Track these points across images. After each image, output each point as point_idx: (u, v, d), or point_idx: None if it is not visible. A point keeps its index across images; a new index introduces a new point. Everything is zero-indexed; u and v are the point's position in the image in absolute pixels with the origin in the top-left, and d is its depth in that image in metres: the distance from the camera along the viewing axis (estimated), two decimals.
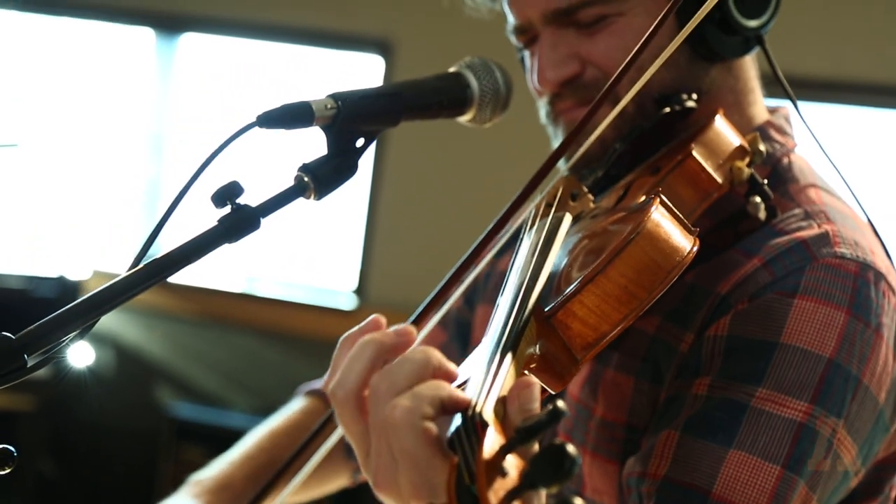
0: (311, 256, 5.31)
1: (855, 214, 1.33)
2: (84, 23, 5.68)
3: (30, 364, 1.01)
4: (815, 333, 1.17)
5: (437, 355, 0.89)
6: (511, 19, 1.42)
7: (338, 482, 1.75)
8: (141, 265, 1.12)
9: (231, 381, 5.27)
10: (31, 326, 1.04)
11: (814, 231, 1.25)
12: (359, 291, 5.23)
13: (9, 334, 1.02)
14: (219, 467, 1.64)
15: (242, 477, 1.59)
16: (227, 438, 4.80)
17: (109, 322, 4.74)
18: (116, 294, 1.10)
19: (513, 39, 1.45)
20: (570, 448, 0.70)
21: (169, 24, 5.52)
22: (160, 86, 5.55)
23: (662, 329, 1.27)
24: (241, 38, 5.48)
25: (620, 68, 1.12)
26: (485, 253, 1.19)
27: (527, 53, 1.42)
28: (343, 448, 1.73)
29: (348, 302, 5.23)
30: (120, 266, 4.93)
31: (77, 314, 1.07)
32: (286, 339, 5.16)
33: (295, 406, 1.75)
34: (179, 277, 1.10)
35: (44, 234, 5.00)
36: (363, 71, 5.27)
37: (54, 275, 4.55)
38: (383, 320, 0.95)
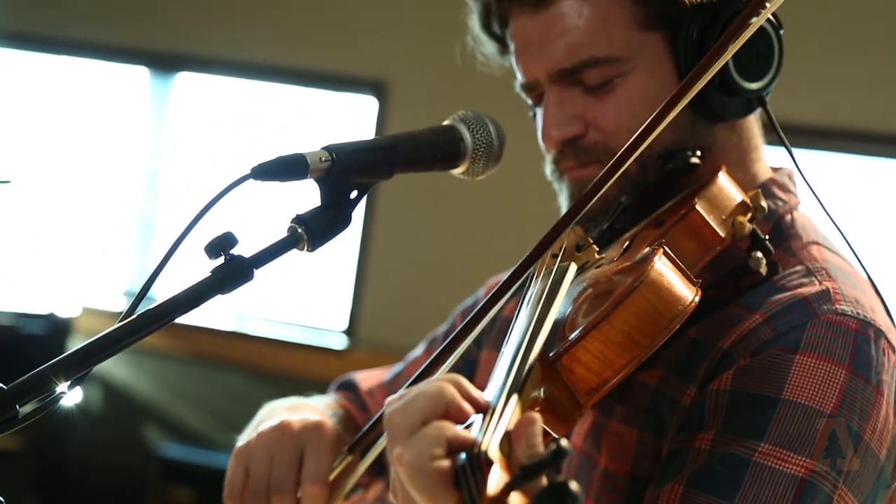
0: (302, 296, 5.30)
1: (856, 272, 1.34)
2: (80, 61, 5.70)
3: (21, 415, 1.02)
4: (817, 390, 1.19)
5: (450, 391, 0.92)
6: (520, 77, 1.44)
7: None
8: (135, 315, 1.12)
9: (219, 420, 5.24)
10: (24, 377, 1.04)
11: (815, 288, 1.26)
12: (349, 332, 5.22)
13: (1, 385, 1.02)
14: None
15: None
16: (215, 479, 4.78)
17: None
18: (110, 344, 1.10)
19: (523, 96, 1.47)
20: (573, 485, 0.73)
21: (164, 63, 5.54)
22: (155, 124, 5.56)
23: (665, 382, 1.28)
24: (237, 77, 5.50)
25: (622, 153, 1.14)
26: (494, 306, 1.22)
27: (537, 110, 1.43)
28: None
29: (339, 342, 5.23)
30: (111, 304, 4.94)
31: (70, 364, 1.07)
32: (276, 379, 5.14)
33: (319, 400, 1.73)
34: None
35: (34, 271, 4.99)
36: (357, 112, 5.28)
37: (44, 312, 4.53)
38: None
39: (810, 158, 4.43)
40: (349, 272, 5.21)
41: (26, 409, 1.04)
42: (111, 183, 5.64)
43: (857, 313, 1.24)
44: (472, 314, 1.21)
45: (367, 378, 1.79)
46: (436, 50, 4.83)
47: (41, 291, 4.77)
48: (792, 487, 1.15)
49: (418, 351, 1.78)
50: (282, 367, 5.13)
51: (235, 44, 5.36)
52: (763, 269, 1.24)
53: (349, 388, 1.77)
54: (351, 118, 5.30)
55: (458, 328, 1.20)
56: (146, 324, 1.13)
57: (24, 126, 5.75)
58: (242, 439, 1.47)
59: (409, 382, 1.04)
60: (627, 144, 1.17)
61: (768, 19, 1.36)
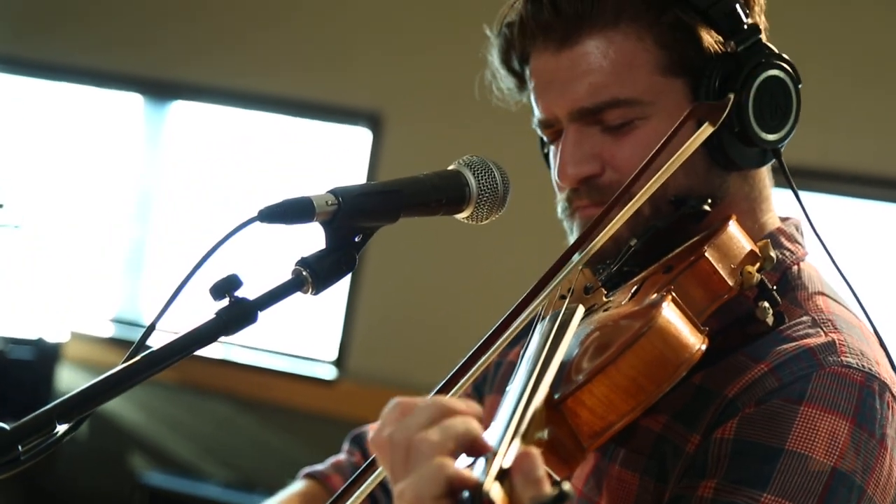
0: (292, 325, 5.29)
1: (862, 325, 1.34)
2: (76, 87, 5.71)
3: (23, 456, 1.01)
4: (821, 441, 1.18)
5: (460, 426, 0.91)
6: (538, 113, 1.44)
7: None
8: (139, 357, 1.12)
9: (206, 449, 5.22)
10: (27, 418, 1.04)
11: (821, 339, 1.26)
12: (338, 363, 5.20)
13: (4, 425, 1.02)
14: None
15: None
16: None
17: None
18: (112, 385, 1.11)
19: (539, 132, 1.47)
20: None
21: (159, 91, 5.55)
22: (149, 151, 5.56)
23: (669, 428, 1.28)
24: (231, 106, 5.50)
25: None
26: (496, 341, 1.22)
27: (552, 147, 1.43)
28: None
29: (328, 372, 5.21)
30: (99, 330, 4.92)
31: (73, 405, 1.07)
32: (264, 408, 5.13)
33: (294, 488, 1.73)
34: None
35: (23, 295, 4.97)
36: (351, 143, 5.28)
37: (32, 337, 4.51)
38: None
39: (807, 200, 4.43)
40: (339, 303, 5.20)
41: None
42: (103, 208, 5.63)
43: (863, 366, 1.24)
44: (477, 346, 1.21)
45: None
46: (430, 83, 4.90)
47: (30, 316, 4.75)
48: None
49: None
50: (270, 396, 5.11)
51: (230, 73, 5.37)
52: (770, 319, 1.24)
53: (358, 441, 1.76)
54: (345, 149, 5.30)
55: (464, 359, 1.20)
56: (149, 366, 1.14)
57: (19, 150, 5.75)
58: None
59: None
60: (619, 192, 1.17)
61: (788, 72, 1.37)
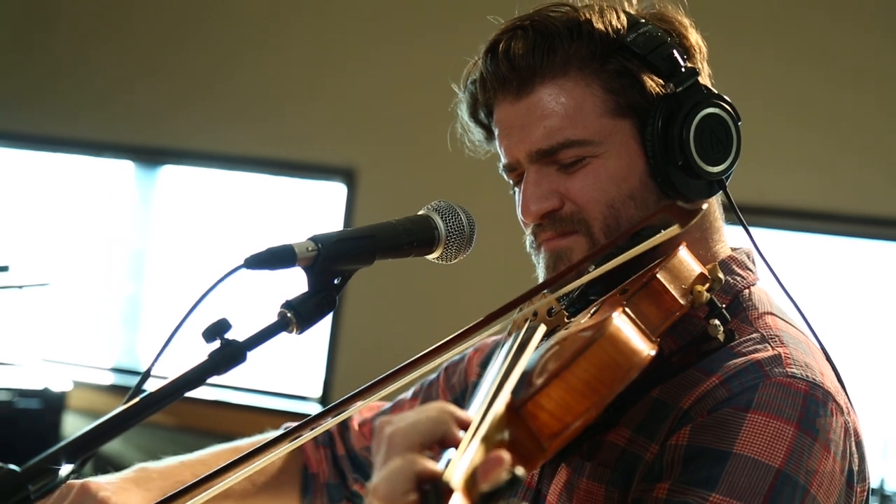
0: (279, 366, 5.27)
1: (808, 340, 1.34)
2: (71, 157, 5.71)
3: (33, 496, 1.00)
4: (766, 445, 1.18)
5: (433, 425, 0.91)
6: (503, 158, 1.44)
7: None
8: (138, 399, 1.11)
9: None
10: (36, 459, 1.02)
11: (768, 353, 1.27)
12: (323, 399, 5.18)
13: (15, 467, 1.01)
14: (170, 462, 1.64)
15: (190, 475, 1.55)
16: None
17: None
18: (115, 426, 1.10)
19: (505, 177, 1.47)
20: None
21: (149, 156, 5.54)
22: (141, 212, 5.55)
23: (632, 441, 1.28)
24: (216, 168, 5.50)
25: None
26: (444, 352, 1.24)
27: (517, 189, 1.44)
28: (299, 485, 1.73)
29: (314, 409, 5.17)
30: (100, 378, 4.87)
31: (79, 446, 1.06)
32: None
33: (267, 434, 1.71)
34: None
35: (29, 349, 4.94)
36: (327, 197, 5.29)
37: (38, 387, 4.47)
38: None
39: (774, 238, 4.53)
40: (322, 343, 5.18)
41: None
42: (101, 266, 5.61)
43: (807, 376, 1.24)
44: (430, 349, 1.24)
45: (359, 415, 1.79)
46: (399, 140, 4.92)
47: (35, 369, 4.71)
48: None
49: (408, 394, 1.77)
50: (261, 432, 5.06)
51: (214, 138, 5.38)
52: (721, 336, 1.24)
53: (341, 424, 1.77)
54: (321, 203, 5.30)
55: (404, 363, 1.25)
56: (148, 406, 1.13)
57: (22, 217, 5.73)
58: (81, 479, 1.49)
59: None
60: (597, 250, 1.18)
61: (726, 110, 1.38)
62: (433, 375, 1.76)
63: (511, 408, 1.01)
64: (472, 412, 0.99)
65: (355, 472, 1.73)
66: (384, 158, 5.06)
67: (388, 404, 1.78)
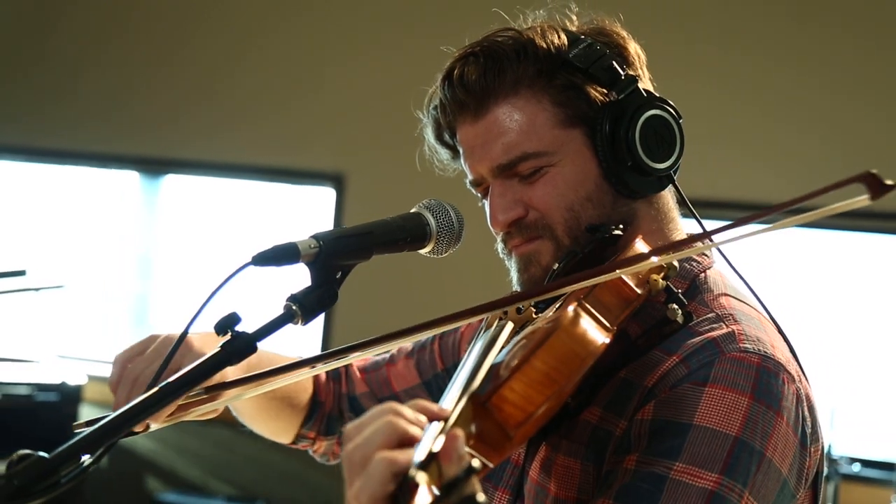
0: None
1: (760, 316, 1.34)
2: (81, 169, 5.68)
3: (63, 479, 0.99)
4: (723, 415, 1.18)
5: (399, 425, 0.91)
6: (469, 175, 1.44)
7: (284, 430, 1.72)
8: (156, 389, 1.10)
9: (211, 471, 5.15)
10: (63, 447, 1.01)
11: (723, 331, 1.26)
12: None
13: (44, 454, 0.99)
14: None
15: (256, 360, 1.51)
16: None
17: None
18: (135, 415, 1.08)
19: (473, 191, 1.47)
20: (480, 498, 0.77)
21: (152, 167, 5.52)
22: (146, 219, 5.53)
23: (603, 418, 1.27)
24: (214, 176, 5.48)
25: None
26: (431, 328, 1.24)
27: (485, 202, 1.44)
28: (306, 411, 1.71)
29: None
30: (112, 371, 4.86)
31: (102, 435, 1.04)
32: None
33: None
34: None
35: (47, 347, 4.93)
36: (318, 201, 5.27)
37: (56, 382, 4.45)
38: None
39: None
40: (316, 338, 5.17)
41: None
42: (111, 269, 5.59)
43: (759, 350, 1.24)
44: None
45: (361, 360, 1.77)
46: (386, 145, 4.89)
47: (52, 365, 4.69)
48: (703, 499, 1.15)
49: (407, 347, 1.75)
50: None
51: (212, 149, 5.36)
52: (680, 318, 1.24)
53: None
54: (313, 207, 5.28)
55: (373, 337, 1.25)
56: (164, 396, 1.11)
57: (37, 226, 5.70)
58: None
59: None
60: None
61: (666, 110, 1.38)
62: (428, 338, 1.74)
63: (478, 401, 1.01)
64: (444, 404, 0.99)
65: (351, 411, 1.72)
66: (371, 164, 5.04)
67: (385, 354, 1.76)
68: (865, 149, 4.52)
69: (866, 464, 4.33)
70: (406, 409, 0.94)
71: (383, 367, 1.74)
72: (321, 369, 1.44)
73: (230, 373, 1.39)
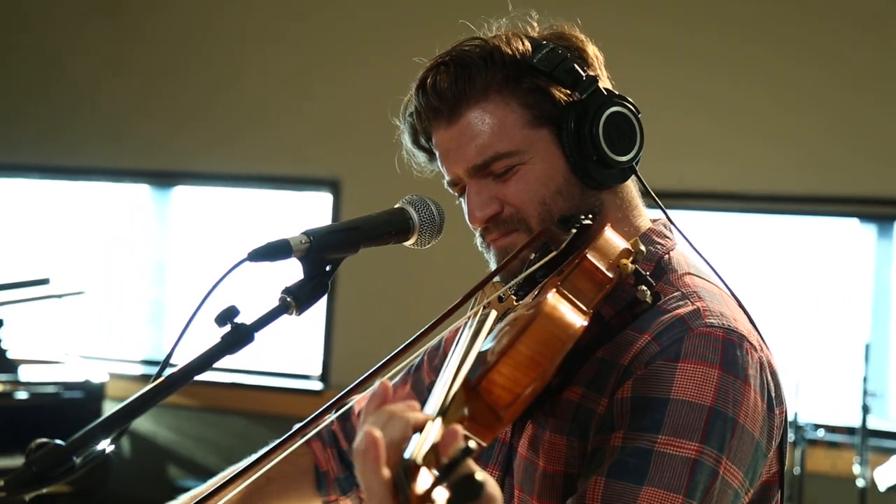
0: (284, 351, 5.25)
1: (721, 292, 1.34)
2: (96, 184, 5.67)
3: (78, 464, 0.98)
4: (697, 388, 1.18)
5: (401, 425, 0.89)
6: (446, 176, 1.44)
7: None
8: (162, 378, 1.09)
9: (226, 458, 5.12)
10: (77, 434, 1.00)
11: (689, 308, 1.26)
12: (323, 377, 5.16)
13: (60, 441, 0.99)
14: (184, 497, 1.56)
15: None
16: None
17: None
18: (142, 403, 1.07)
19: (450, 191, 1.46)
20: (479, 475, 0.75)
21: (162, 180, 5.51)
22: (158, 228, 5.52)
23: (584, 396, 1.27)
24: (220, 186, 5.47)
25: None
26: (423, 340, 1.22)
27: (462, 200, 1.43)
28: (313, 481, 1.69)
29: (315, 385, 5.16)
30: (132, 370, 4.86)
31: (113, 422, 1.04)
32: (268, 419, 5.06)
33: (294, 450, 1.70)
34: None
35: (71, 349, 4.92)
36: (316, 206, 5.27)
37: (80, 380, 4.45)
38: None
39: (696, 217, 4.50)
40: (319, 327, 5.15)
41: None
42: (127, 276, 5.58)
43: (723, 324, 1.24)
44: (402, 346, 1.23)
45: (358, 405, 1.74)
46: (379, 152, 4.85)
47: (76, 365, 4.68)
48: (687, 467, 1.15)
49: (396, 380, 1.73)
50: (272, 409, 5.06)
51: (217, 161, 5.35)
52: (649, 299, 1.24)
53: (341, 418, 1.72)
54: (311, 211, 5.27)
55: (388, 357, 1.24)
56: (172, 383, 1.10)
57: (57, 238, 5.68)
58: None
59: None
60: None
61: (626, 107, 1.38)
62: (417, 360, 1.73)
63: (468, 386, 1.00)
64: (437, 393, 0.99)
65: None
66: (365, 170, 5.03)
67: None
68: (874, 139, 4.52)
69: (829, 429, 4.34)
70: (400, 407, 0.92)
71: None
72: (285, 453, 1.38)
73: None
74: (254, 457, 1.41)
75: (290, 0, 5.30)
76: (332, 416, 1.38)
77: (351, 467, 1.70)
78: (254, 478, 1.37)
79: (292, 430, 1.38)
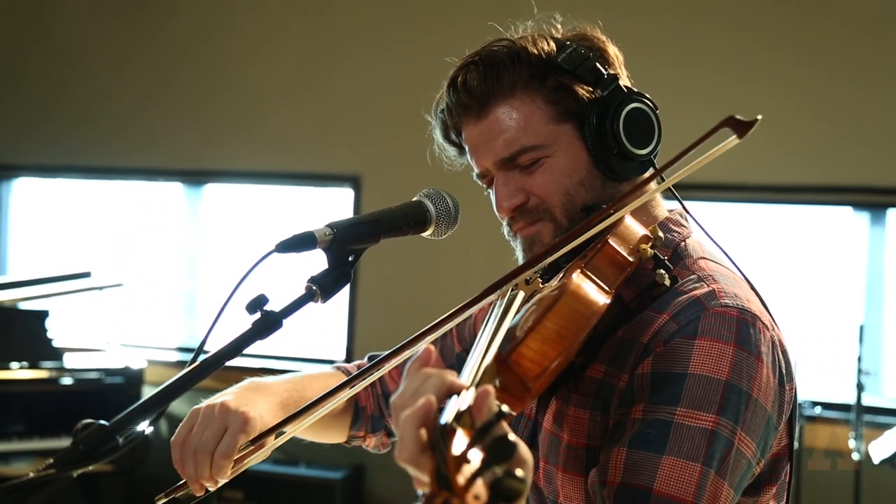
0: (310, 337, 5.26)
1: (735, 276, 1.34)
2: (133, 183, 5.69)
3: (121, 445, 0.99)
4: (713, 363, 1.19)
5: (442, 379, 0.89)
6: (475, 168, 1.44)
7: (336, 437, 1.72)
8: (197, 363, 1.10)
9: None
10: (119, 416, 1.01)
11: (704, 289, 1.27)
12: (346, 361, 5.15)
13: (104, 422, 1.00)
14: (270, 380, 1.58)
15: (286, 394, 1.54)
16: (259, 482, 4.71)
17: None
18: (179, 387, 1.09)
19: (479, 183, 1.47)
20: (511, 437, 0.75)
21: (194, 178, 5.52)
22: (191, 223, 5.54)
23: (607, 373, 1.28)
24: (248, 183, 5.48)
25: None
26: (450, 321, 1.25)
27: (490, 191, 1.44)
28: (351, 415, 1.71)
29: None
30: (168, 357, 4.90)
31: (152, 404, 1.05)
32: None
33: (325, 369, 1.73)
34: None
35: (112, 337, 4.95)
36: (338, 200, 5.27)
37: (121, 366, 4.48)
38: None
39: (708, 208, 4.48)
40: (343, 314, 5.16)
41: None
42: (162, 269, 5.61)
43: (737, 304, 1.24)
44: (430, 325, 1.26)
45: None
46: (398, 149, 4.89)
47: (116, 352, 4.71)
48: (705, 437, 1.16)
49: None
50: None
51: (246, 159, 5.36)
52: (667, 282, 1.25)
53: (373, 358, 1.74)
54: (333, 206, 5.27)
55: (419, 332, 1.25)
56: (206, 368, 1.12)
57: (98, 234, 5.72)
58: (207, 400, 1.43)
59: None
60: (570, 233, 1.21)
61: (645, 103, 1.38)
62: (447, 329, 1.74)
63: (499, 359, 1.01)
64: (470, 366, 0.99)
65: (387, 408, 1.73)
66: (385, 166, 5.04)
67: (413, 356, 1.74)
68: (867, 131, 4.48)
69: (826, 406, 4.33)
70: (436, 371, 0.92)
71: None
72: (357, 389, 1.42)
73: (268, 416, 1.40)
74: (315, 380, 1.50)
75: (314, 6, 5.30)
76: (373, 376, 1.41)
77: (382, 410, 1.72)
78: (332, 406, 1.39)
79: (352, 375, 1.40)
